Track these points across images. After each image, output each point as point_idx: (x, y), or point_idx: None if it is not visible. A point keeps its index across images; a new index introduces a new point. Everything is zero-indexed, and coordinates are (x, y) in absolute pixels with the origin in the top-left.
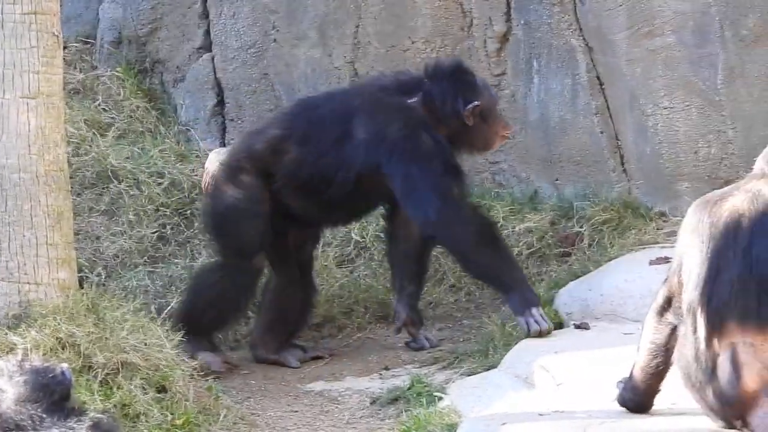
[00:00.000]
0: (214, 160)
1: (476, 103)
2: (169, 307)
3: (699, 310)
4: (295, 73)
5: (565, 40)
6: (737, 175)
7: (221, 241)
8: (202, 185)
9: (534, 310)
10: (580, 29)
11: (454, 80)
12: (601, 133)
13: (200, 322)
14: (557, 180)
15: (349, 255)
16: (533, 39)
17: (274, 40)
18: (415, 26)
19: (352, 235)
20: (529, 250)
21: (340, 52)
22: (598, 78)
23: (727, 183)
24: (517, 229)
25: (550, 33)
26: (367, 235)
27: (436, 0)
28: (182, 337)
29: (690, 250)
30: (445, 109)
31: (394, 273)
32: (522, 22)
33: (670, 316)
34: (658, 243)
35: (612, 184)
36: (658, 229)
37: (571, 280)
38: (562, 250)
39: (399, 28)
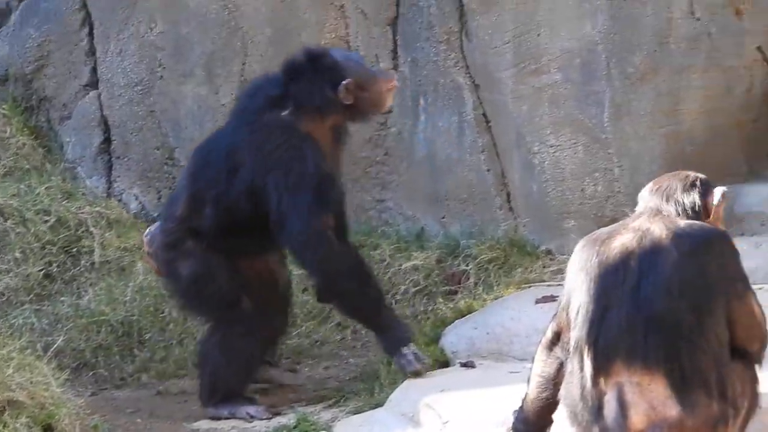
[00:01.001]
0: (151, 242)
1: (344, 81)
2: (55, 345)
3: (586, 348)
4: (182, 110)
5: (452, 77)
6: (623, 213)
7: (202, 308)
8: (154, 270)
9: (405, 350)
10: (467, 67)
11: (312, 71)
12: (488, 170)
13: (229, 384)
14: (444, 218)
15: None
16: (420, 76)
17: (161, 78)
18: None
19: None
20: (416, 288)
21: (227, 90)
22: (484, 115)
23: (614, 221)
24: (403, 266)
25: (436, 70)
26: None
27: (322, 38)
28: (219, 404)
29: (578, 287)
30: (321, 103)
31: None
32: (408, 59)
33: (558, 351)
34: (544, 281)
35: (498, 222)
36: (544, 267)
37: (458, 319)
38: (448, 288)
39: None
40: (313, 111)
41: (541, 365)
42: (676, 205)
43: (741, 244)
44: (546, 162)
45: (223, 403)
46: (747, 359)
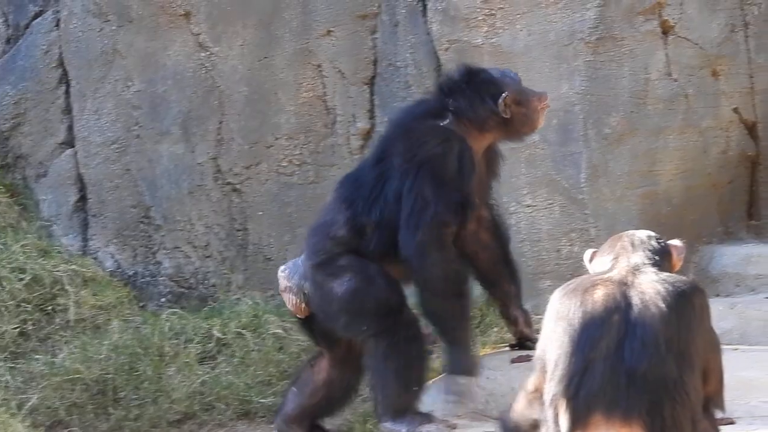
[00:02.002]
0: (291, 276)
1: (504, 94)
2: (30, 403)
3: (564, 399)
4: (158, 168)
5: None
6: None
7: (367, 320)
8: (293, 307)
9: (465, 379)
10: None
11: (472, 85)
12: None
13: (401, 397)
14: None
15: (210, 352)
16: None
17: (137, 136)
18: (278, 123)
19: (214, 332)
20: None
21: (204, 148)
22: None
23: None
24: None
25: None
26: (228, 331)
27: (299, 97)
28: (395, 420)
29: (557, 338)
30: (480, 117)
31: (488, 287)
32: (386, 118)
33: (536, 404)
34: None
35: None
36: None
37: (434, 377)
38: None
39: (263, 125)
40: (473, 123)
41: (520, 415)
42: (647, 258)
43: (716, 305)
44: (522, 222)
45: (399, 419)
46: (708, 412)
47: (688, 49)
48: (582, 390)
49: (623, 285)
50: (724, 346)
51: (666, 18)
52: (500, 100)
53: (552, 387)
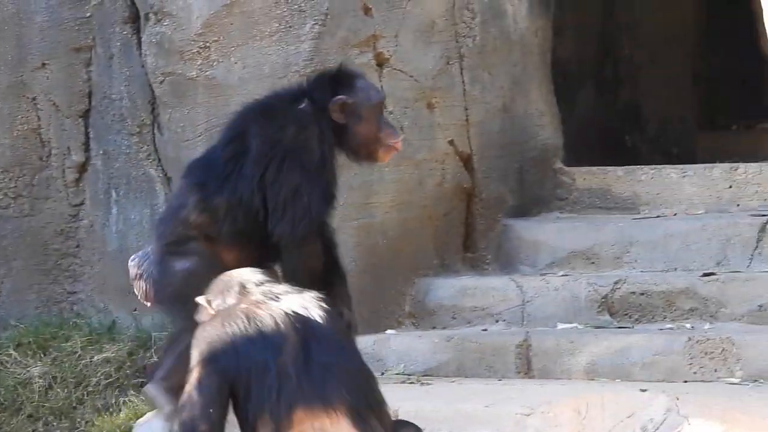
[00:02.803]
0: (141, 263)
1: (341, 97)
2: None
3: (265, 410)
4: None
5: (144, 170)
6: None
7: (185, 309)
8: (144, 296)
9: None
10: (159, 159)
11: (331, 78)
12: None
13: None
14: (135, 310)
15: None
16: (112, 169)
17: None
18: None
19: None
20: (108, 380)
21: None
22: None
23: None
24: (95, 359)
25: (128, 163)
26: None
27: (14, 130)
28: None
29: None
30: (323, 107)
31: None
32: (101, 151)
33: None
34: None
35: None
36: None
37: (151, 411)
38: (141, 380)
39: None
40: (318, 114)
41: None
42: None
43: (432, 337)
44: None
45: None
46: None
47: (403, 82)
48: (282, 393)
49: (271, 305)
50: (441, 379)
51: (381, 50)
52: (334, 99)
53: (251, 404)
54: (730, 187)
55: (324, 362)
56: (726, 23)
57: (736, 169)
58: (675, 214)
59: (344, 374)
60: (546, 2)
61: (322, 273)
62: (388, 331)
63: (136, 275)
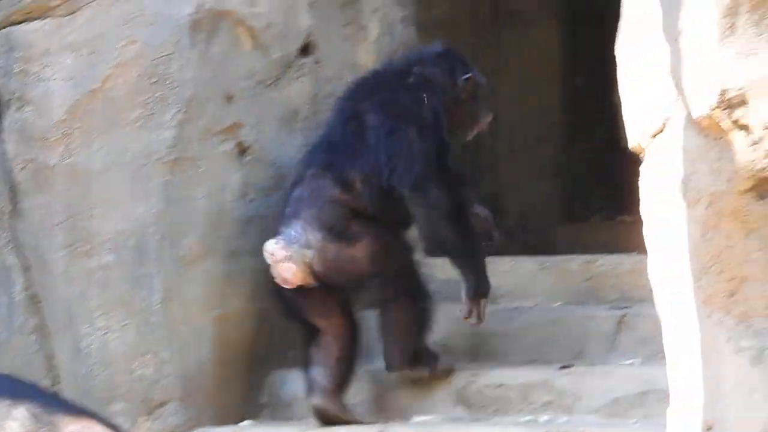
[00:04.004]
0: (285, 247)
1: (470, 75)
2: None
3: None
4: None
5: (2, 258)
6: (172, 396)
7: (391, 279)
8: (292, 278)
9: (482, 301)
10: (17, 247)
11: (443, 57)
12: (37, 352)
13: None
14: None
15: None
16: None
17: None
18: None
19: None
20: None
21: None
22: (35, 296)
23: (162, 404)
24: None
25: None
26: None
27: None
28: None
29: None
30: (441, 88)
31: None
32: None
33: None
34: None
35: None
36: None
37: None
38: None
39: None
40: (438, 90)
41: None
42: None
43: (289, 429)
44: (94, 345)
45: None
46: None
47: (264, 171)
48: None
49: None
50: None
51: (243, 139)
52: (464, 77)
53: None
54: (589, 279)
55: None
56: (587, 115)
57: (594, 262)
58: (534, 306)
59: None
60: None
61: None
62: (245, 422)
63: (284, 257)
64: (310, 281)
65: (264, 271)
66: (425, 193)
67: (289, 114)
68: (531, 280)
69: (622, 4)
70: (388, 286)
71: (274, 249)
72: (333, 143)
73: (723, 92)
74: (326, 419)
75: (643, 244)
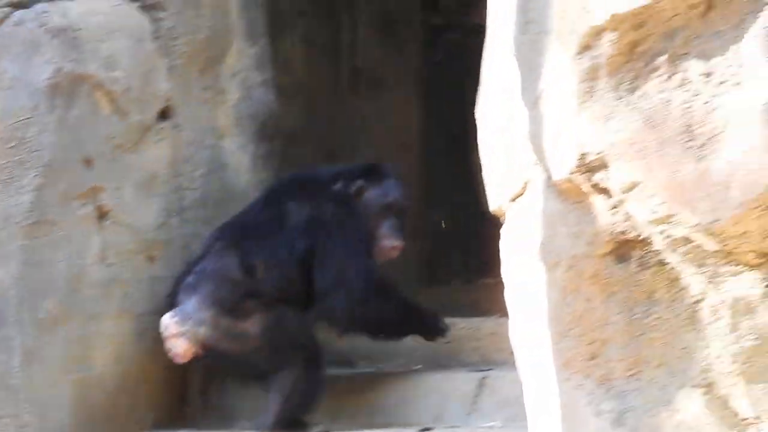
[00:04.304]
0: (180, 323)
1: (361, 182)
2: None
3: None
4: None
5: None
6: None
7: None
8: (183, 354)
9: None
10: None
11: (364, 167)
12: None
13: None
14: None
15: None
16: None
17: None
18: None
19: None
20: None
21: None
22: None
23: None
24: None
25: None
26: None
27: None
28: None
29: None
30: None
31: None
32: None
33: None
34: None
35: None
36: None
37: None
38: None
39: None
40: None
41: None
42: None
43: None
44: None
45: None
46: None
47: (124, 234)
48: None
49: None
50: None
51: (103, 202)
52: (355, 184)
53: None
54: (448, 342)
55: None
56: (446, 178)
57: (455, 325)
58: (394, 368)
59: None
60: (269, 154)
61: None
62: None
63: (178, 333)
64: (201, 354)
65: (128, 333)
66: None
67: (149, 178)
68: (392, 343)
69: (482, 69)
70: (278, 357)
71: (169, 323)
72: (246, 224)
73: (582, 156)
74: None
75: (505, 306)
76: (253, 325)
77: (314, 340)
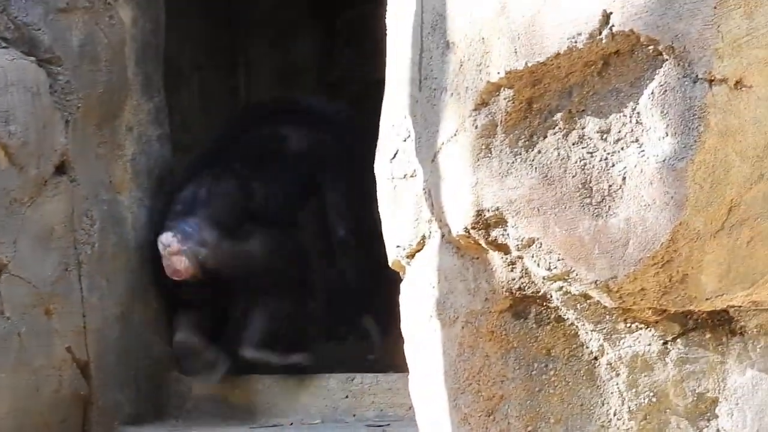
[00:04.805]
0: (181, 241)
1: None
2: None
3: None
4: None
5: None
6: None
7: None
8: (183, 271)
9: None
10: None
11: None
12: None
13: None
14: None
15: None
16: None
17: None
18: None
19: None
20: None
21: None
22: None
23: None
24: None
25: None
26: None
27: None
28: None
29: None
30: None
31: None
32: None
33: None
34: None
35: None
36: None
37: None
38: None
39: None
40: None
41: None
42: None
43: None
44: None
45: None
46: None
47: (21, 288)
48: None
49: None
50: None
51: None
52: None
53: None
54: (347, 397)
55: None
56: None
57: (352, 380)
58: (291, 424)
59: None
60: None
61: None
62: None
63: (178, 251)
64: (199, 276)
65: (25, 387)
66: None
67: (46, 232)
68: (290, 398)
69: (380, 123)
70: (277, 279)
71: (170, 241)
72: (234, 149)
73: (479, 212)
74: None
75: (404, 362)
76: (253, 247)
77: (314, 267)
